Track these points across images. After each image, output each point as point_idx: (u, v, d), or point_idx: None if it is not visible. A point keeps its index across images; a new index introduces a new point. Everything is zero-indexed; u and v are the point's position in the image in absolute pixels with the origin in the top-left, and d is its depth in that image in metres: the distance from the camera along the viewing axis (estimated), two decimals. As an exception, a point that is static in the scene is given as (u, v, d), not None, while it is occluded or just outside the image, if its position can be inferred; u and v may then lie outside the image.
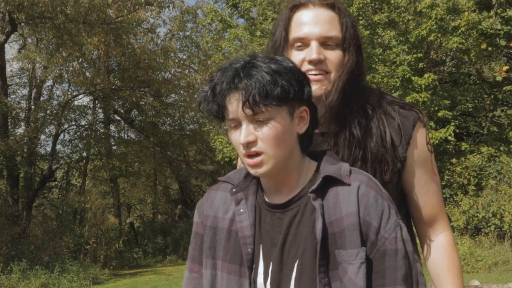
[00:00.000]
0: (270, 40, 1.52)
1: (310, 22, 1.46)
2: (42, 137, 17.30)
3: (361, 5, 10.95)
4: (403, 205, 1.55)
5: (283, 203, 1.29)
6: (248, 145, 1.22)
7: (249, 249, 1.29)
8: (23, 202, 14.88)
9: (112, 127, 19.94)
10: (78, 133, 18.16)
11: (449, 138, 11.02)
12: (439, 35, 11.16)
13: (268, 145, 1.21)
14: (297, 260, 1.24)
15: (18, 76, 18.22)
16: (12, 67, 22.25)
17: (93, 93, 17.26)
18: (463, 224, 10.83)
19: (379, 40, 11.97)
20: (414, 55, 11.42)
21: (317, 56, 1.43)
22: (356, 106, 1.48)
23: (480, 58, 12.05)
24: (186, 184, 21.49)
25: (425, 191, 1.53)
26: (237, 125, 1.23)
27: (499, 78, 12.11)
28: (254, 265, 1.29)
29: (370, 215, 1.22)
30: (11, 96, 16.88)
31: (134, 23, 16.06)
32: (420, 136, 1.52)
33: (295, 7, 1.49)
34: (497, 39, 12.14)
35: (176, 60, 19.56)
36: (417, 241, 1.57)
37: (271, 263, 1.27)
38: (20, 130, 16.72)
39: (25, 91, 17.93)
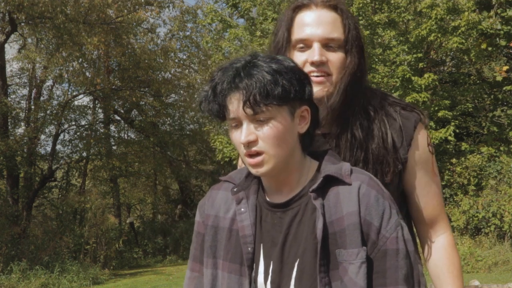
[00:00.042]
0: (273, 41, 1.52)
1: (313, 24, 1.45)
2: (42, 137, 17.33)
3: (361, 5, 10.95)
4: (403, 206, 1.55)
5: (283, 203, 1.29)
6: (249, 144, 1.22)
7: (249, 248, 1.28)
8: (23, 202, 14.88)
9: (112, 127, 19.96)
10: (78, 133, 18.17)
11: (449, 138, 11.02)
12: (439, 35, 11.16)
13: (269, 144, 1.21)
14: (298, 260, 1.24)
15: (18, 76, 18.23)
16: (12, 67, 22.25)
17: (93, 93, 17.26)
18: (463, 224, 10.83)
19: (379, 40, 11.97)
20: (414, 55, 11.42)
21: (319, 58, 1.43)
22: (358, 108, 1.48)
23: (480, 58, 12.05)
24: (186, 184, 21.50)
25: (425, 192, 1.53)
26: (238, 124, 1.23)
27: (499, 78, 12.11)
28: (254, 265, 1.29)
29: (371, 215, 1.22)
30: (11, 96, 16.89)
31: (134, 23, 16.06)
32: (421, 138, 1.52)
33: (298, 8, 1.49)
34: (497, 39, 12.14)
35: (176, 60, 19.57)
36: (417, 242, 1.57)
37: (271, 262, 1.27)
38: (20, 130, 16.74)
39: (25, 91, 17.95)
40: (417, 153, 1.51)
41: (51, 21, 13.13)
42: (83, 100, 32.61)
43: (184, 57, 20.33)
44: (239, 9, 13.82)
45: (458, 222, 10.79)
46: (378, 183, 1.28)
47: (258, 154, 1.22)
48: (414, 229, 1.60)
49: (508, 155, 11.67)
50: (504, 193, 10.73)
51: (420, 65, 11.75)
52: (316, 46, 1.44)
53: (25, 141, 15.36)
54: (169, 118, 19.90)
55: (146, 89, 18.00)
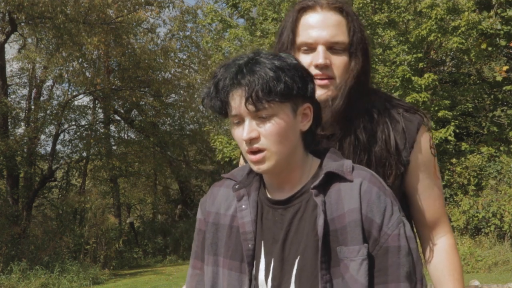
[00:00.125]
0: (277, 42, 1.52)
1: (318, 26, 1.45)
2: (42, 137, 17.33)
3: (361, 5, 10.95)
4: (404, 208, 1.55)
5: (285, 199, 1.29)
6: (250, 141, 1.22)
7: (249, 245, 1.28)
8: (23, 202, 14.88)
9: (112, 127, 19.96)
10: (78, 133, 18.17)
11: (449, 138, 11.02)
12: (439, 35, 11.16)
13: (271, 141, 1.21)
14: (298, 257, 1.24)
15: (18, 76, 18.23)
16: (12, 67, 22.28)
17: (93, 93, 17.26)
18: (463, 224, 10.83)
19: (379, 40, 11.96)
20: (414, 55, 11.42)
21: (324, 61, 1.43)
22: (362, 110, 1.48)
23: (480, 58, 12.05)
24: (186, 184, 21.50)
25: (427, 194, 1.53)
26: (240, 121, 1.23)
27: (499, 78, 12.11)
28: (255, 262, 1.29)
29: (372, 212, 1.22)
30: (11, 96, 16.89)
31: (134, 23, 16.06)
32: (424, 140, 1.52)
33: (303, 9, 1.48)
34: (497, 39, 12.14)
35: (176, 60, 19.57)
36: (418, 244, 1.57)
37: (272, 259, 1.27)
38: (20, 130, 16.74)
39: (25, 91, 17.96)
40: (419, 155, 1.51)
41: (51, 21, 13.13)
42: (83, 100, 32.65)
43: (184, 57, 20.35)
44: (239, 9, 13.82)
45: (458, 222, 10.79)
46: (379, 180, 1.28)
47: (260, 151, 1.22)
48: (415, 231, 1.60)
49: (508, 155, 11.66)
50: (504, 193, 10.73)
51: (420, 65, 11.75)
52: (320, 49, 1.43)
53: (25, 141, 15.36)
54: (169, 118, 19.90)
55: (146, 89, 18.00)
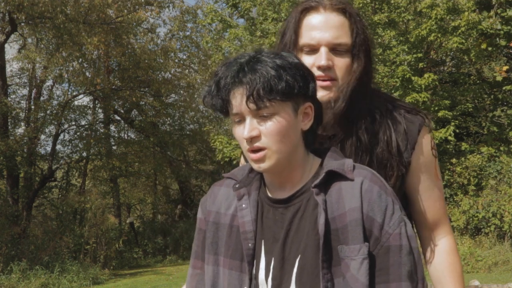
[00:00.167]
0: (280, 42, 1.51)
1: (320, 27, 1.44)
2: (42, 137, 17.33)
3: (361, 5, 10.95)
4: (405, 209, 1.55)
5: (285, 198, 1.28)
6: (251, 140, 1.21)
7: (249, 244, 1.28)
8: (23, 202, 14.88)
9: (112, 127, 19.97)
10: (78, 133, 18.18)
11: (449, 138, 11.02)
12: (439, 35, 11.16)
13: (272, 140, 1.21)
14: (299, 256, 1.23)
15: (18, 76, 18.24)
16: (12, 67, 22.27)
17: (93, 93, 17.26)
18: (463, 224, 10.83)
19: (379, 40, 11.96)
20: (414, 55, 11.42)
21: (326, 62, 1.42)
22: (364, 111, 1.48)
23: (480, 58, 12.05)
24: (186, 184, 21.50)
25: (428, 196, 1.53)
26: (241, 120, 1.23)
27: (499, 78, 12.11)
28: (255, 261, 1.28)
29: (373, 211, 1.21)
30: (11, 96, 16.89)
31: (134, 23, 16.06)
32: (425, 141, 1.52)
33: (305, 10, 1.48)
34: (497, 39, 12.14)
35: (176, 60, 19.58)
36: (419, 245, 1.57)
37: (272, 258, 1.26)
38: (20, 130, 16.75)
39: (25, 91, 17.96)
40: (420, 157, 1.51)
41: (51, 21, 13.14)
42: (83, 100, 32.65)
43: (184, 57, 20.35)
44: (239, 9, 13.82)
45: (458, 222, 10.80)
46: (380, 179, 1.27)
47: (260, 149, 1.22)
48: (415, 232, 1.60)
49: (508, 155, 11.67)
50: (504, 193, 10.73)
51: (420, 65, 11.75)
52: (323, 50, 1.43)
53: (25, 141, 15.36)
54: (169, 118, 19.90)
55: (146, 89, 18.01)
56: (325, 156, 1.32)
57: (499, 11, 11.87)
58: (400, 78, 11.06)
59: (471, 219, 10.85)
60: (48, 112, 16.73)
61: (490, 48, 12.12)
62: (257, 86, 1.17)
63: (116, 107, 18.99)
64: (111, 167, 17.55)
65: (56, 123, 16.92)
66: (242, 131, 1.22)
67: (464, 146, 12.10)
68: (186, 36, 19.84)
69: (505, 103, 13.15)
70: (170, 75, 19.01)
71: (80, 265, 12.01)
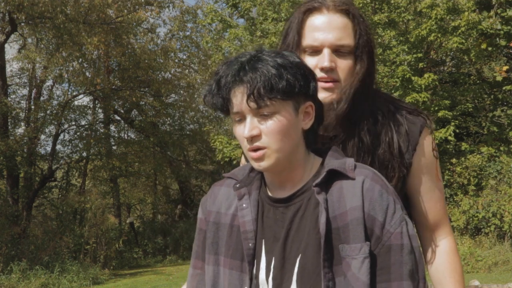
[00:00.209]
0: (283, 43, 1.51)
1: (324, 29, 1.44)
2: (42, 137, 17.33)
3: (361, 5, 10.95)
4: (406, 210, 1.56)
5: (286, 197, 1.28)
6: (252, 139, 1.21)
7: (250, 244, 1.28)
8: (23, 202, 14.88)
9: (112, 127, 19.97)
10: (78, 133, 18.18)
11: (449, 138, 11.02)
12: (439, 35, 11.16)
13: (272, 139, 1.21)
14: (299, 255, 1.23)
15: (18, 76, 18.24)
16: (12, 67, 22.28)
17: (93, 93, 17.26)
18: (463, 224, 10.83)
19: (379, 40, 11.96)
20: (414, 55, 11.42)
21: (329, 64, 1.42)
22: (366, 113, 1.48)
23: (480, 58, 12.05)
24: (186, 184, 21.50)
25: (428, 197, 1.54)
26: (242, 119, 1.23)
27: (499, 78, 12.11)
28: (256, 261, 1.28)
29: (375, 210, 1.21)
30: (11, 96, 16.89)
31: (134, 23, 16.06)
32: (427, 143, 1.52)
33: (309, 11, 1.47)
34: (497, 39, 12.15)
35: (176, 60, 19.58)
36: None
37: (273, 258, 1.26)
38: (20, 130, 16.75)
39: (25, 91, 17.96)
40: (422, 158, 1.51)
41: (51, 21, 13.14)
42: (83, 100, 32.67)
43: (184, 57, 20.35)
44: (239, 9, 13.83)
45: (458, 222, 10.80)
46: (382, 178, 1.27)
47: (260, 148, 1.22)
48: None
49: (508, 155, 11.67)
50: (504, 193, 10.73)
51: (420, 65, 11.75)
52: (326, 52, 1.43)
53: (25, 141, 15.36)
54: (169, 118, 19.91)
55: (146, 89, 18.01)
56: (326, 155, 1.31)
57: (499, 11, 11.87)
58: (400, 78, 11.06)
59: (471, 219, 10.85)
60: (48, 112, 16.73)
61: (490, 48, 12.12)
62: (258, 85, 1.17)
63: (116, 107, 18.99)
64: (111, 167, 17.55)
65: (56, 123, 16.93)
66: (243, 130, 1.22)
67: (464, 146, 12.10)
68: (186, 36, 19.85)
69: (505, 103, 13.15)
70: (170, 75, 19.02)
71: (80, 265, 12.01)
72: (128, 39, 16.65)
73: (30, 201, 15.13)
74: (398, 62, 11.43)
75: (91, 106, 18.98)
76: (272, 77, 1.18)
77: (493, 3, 11.99)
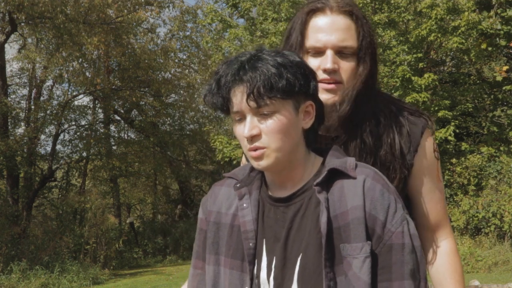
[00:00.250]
0: (286, 43, 1.50)
1: (327, 30, 1.44)
2: (42, 137, 17.34)
3: (361, 5, 10.95)
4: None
5: (286, 197, 1.28)
6: (252, 138, 1.21)
7: (250, 244, 1.27)
8: (23, 202, 14.88)
9: (112, 127, 19.97)
10: (78, 133, 18.18)
11: (449, 138, 11.02)
12: (439, 35, 11.16)
13: (272, 138, 1.20)
14: (300, 255, 1.23)
15: (18, 76, 18.24)
16: (12, 67, 22.29)
17: (93, 93, 17.27)
18: (463, 224, 10.83)
19: (379, 40, 11.96)
20: (414, 55, 11.42)
21: (332, 66, 1.42)
22: (368, 114, 1.48)
23: (480, 58, 12.05)
24: (186, 184, 21.50)
25: (429, 198, 1.54)
26: (242, 118, 1.22)
27: (499, 78, 12.11)
28: (257, 260, 1.28)
29: (376, 209, 1.21)
30: (11, 96, 16.89)
31: (134, 23, 16.07)
32: (428, 144, 1.52)
33: (312, 12, 1.47)
34: (497, 39, 12.15)
35: (176, 60, 19.58)
36: None
37: (274, 258, 1.26)
38: (20, 130, 16.75)
39: (25, 91, 17.97)
40: (423, 159, 1.51)
41: (51, 21, 13.14)
42: (83, 100, 32.67)
43: (184, 57, 20.36)
44: (239, 9, 13.83)
45: (458, 222, 10.80)
46: (383, 177, 1.27)
47: (259, 147, 1.22)
48: None
49: (508, 155, 11.67)
50: (504, 193, 10.73)
51: (420, 65, 11.75)
52: (329, 53, 1.43)
53: (25, 141, 15.36)
54: (169, 118, 19.91)
55: (146, 89, 18.01)
56: (327, 154, 1.31)
57: (499, 11, 11.87)
58: (400, 78, 11.06)
59: (471, 219, 10.86)
60: (48, 112, 16.74)
61: (490, 48, 12.12)
62: (258, 84, 1.17)
63: (116, 107, 18.99)
64: (111, 167, 17.55)
65: (56, 123, 16.93)
66: (243, 130, 1.22)
67: (464, 146, 12.10)
68: (186, 36, 19.85)
69: (505, 103, 13.15)
70: (170, 75, 19.03)
71: (80, 265, 12.01)
72: (128, 39, 16.66)
73: (30, 201, 15.13)
74: (398, 62, 11.43)
75: (91, 106, 19.00)
76: (272, 76, 1.17)
77: (493, 3, 11.99)
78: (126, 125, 20.02)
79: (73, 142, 17.92)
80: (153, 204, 21.83)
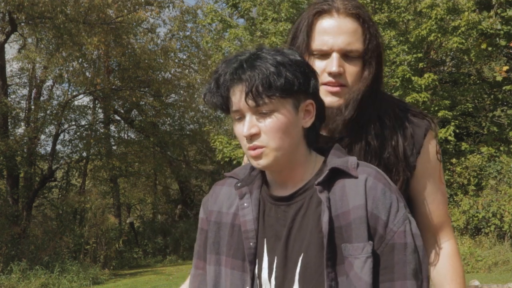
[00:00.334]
0: (291, 45, 1.50)
1: (333, 33, 1.43)
2: (42, 137, 17.34)
3: (361, 5, 10.94)
4: None
5: (287, 196, 1.27)
6: (251, 137, 1.20)
7: (251, 243, 1.27)
8: (23, 202, 14.88)
9: (112, 127, 19.97)
10: (78, 133, 18.18)
11: (449, 138, 11.02)
12: (439, 35, 11.16)
13: (271, 137, 1.20)
14: (302, 254, 1.22)
15: (18, 76, 18.24)
16: (12, 67, 22.29)
17: (93, 93, 17.27)
18: (463, 224, 10.83)
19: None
20: (414, 55, 11.42)
21: (337, 69, 1.41)
22: (373, 116, 1.48)
23: (480, 58, 12.05)
24: (186, 184, 21.50)
25: (431, 200, 1.54)
26: (241, 117, 1.22)
27: (499, 78, 12.11)
28: (258, 260, 1.27)
29: (378, 208, 1.20)
30: (11, 96, 16.89)
31: (134, 23, 16.07)
32: (431, 146, 1.52)
33: (318, 13, 1.46)
34: (497, 39, 12.15)
35: (176, 60, 19.58)
36: None
37: (275, 257, 1.25)
38: (20, 130, 16.75)
39: (25, 91, 17.97)
40: (426, 161, 1.51)
41: (51, 21, 13.14)
42: (83, 100, 32.67)
43: (184, 57, 20.35)
44: (239, 9, 13.82)
45: (458, 222, 10.80)
46: (384, 176, 1.26)
47: (258, 146, 1.21)
48: None
49: (508, 155, 11.67)
50: (504, 193, 10.74)
51: (420, 65, 11.75)
52: (335, 56, 1.42)
53: (25, 141, 15.36)
54: (169, 118, 19.91)
55: (146, 89, 18.01)
56: (328, 153, 1.31)
57: (499, 11, 11.87)
58: (400, 78, 11.06)
59: (471, 219, 10.86)
60: (48, 112, 16.73)
61: (490, 48, 12.13)
62: (256, 83, 1.17)
63: (116, 107, 18.99)
64: (111, 167, 17.55)
65: (56, 123, 16.93)
66: (242, 129, 1.21)
67: (464, 146, 12.10)
68: (186, 36, 19.85)
69: (505, 103, 13.16)
70: (170, 75, 19.02)
71: (80, 265, 12.01)
72: (128, 39, 16.66)
73: (30, 201, 15.13)
74: (398, 62, 11.43)
75: (91, 106, 19.00)
76: (270, 75, 1.17)
77: (493, 3, 11.99)
78: (126, 125, 20.02)
79: (73, 142, 17.93)
80: (153, 204, 21.83)
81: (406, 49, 11.46)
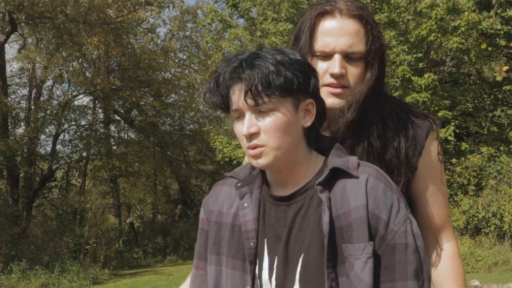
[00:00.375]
0: (294, 45, 1.49)
1: (335, 34, 1.43)
2: (42, 137, 17.34)
3: (361, 5, 10.94)
4: None
5: (288, 196, 1.27)
6: (250, 136, 1.20)
7: (251, 244, 1.26)
8: (23, 202, 14.88)
9: (112, 127, 19.97)
10: (78, 133, 18.18)
11: (449, 138, 11.02)
12: (439, 35, 11.16)
13: (271, 137, 1.20)
14: (302, 255, 1.22)
15: (18, 76, 18.24)
16: (12, 67, 22.29)
17: (93, 93, 17.27)
18: (463, 224, 10.83)
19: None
20: (414, 55, 11.42)
21: (339, 70, 1.41)
22: (376, 118, 1.48)
23: (480, 58, 12.05)
24: (186, 184, 21.50)
25: (432, 201, 1.54)
26: (241, 116, 1.22)
27: (499, 78, 12.12)
28: (258, 260, 1.27)
29: (379, 208, 1.19)
30: (11, 96, 16.89)
31: (134, 23, 16.07)
32: (433, 147, 1.52)
33: (321, 14, 1.45)
34: (497, 39, 12.15)
35: (176, 60, 19.58)
36: None
37: (276, 257, 1.25)
38: (20, 130, 16.75)
39: (25, 91, 17.97)
40: (427, 162, 1.51)
41: (51, 21, 13.14)
42: (83, 100, 32.66)
43: (184, 57, 20.35)
44: (239, 9, 13.82)
45: (458, 222, 10.80)
46: (385, 176, 1.26)
47: (258, 145, 1.21)
48: None
49: (508, 155, 11.67)
50: (504, 193, 10.73)
51: (420, 65, 11.75)
52: (337, 57, 1.42)
53: (25, 141, 15.36)
54: (169, 118, 19.91)
55: (146, 89, 18.01)
56: (329, 153, 1.30)
57: (499, 11, 11.87)
58: (400, 78, 11.06)
59: (471, 219, 10.86)
60: (48, 112, 16.74)
61: (490, 48, 12.13)
62: (255, 82, 1.16)
63: (116, 107, 18.99)
64: (111, 167, 17.56)
65: (56, 123, 16.93)
66: (241, 128, 1.21)
67: (464, 146, 12.10)
68: (186, 36, 19.85)
69: (505, 103, 13.16)
70: (170, 75, 19.03)
71: (80, 265, 12.01)
72: (128, 39, 16.66)
73: (30, 201, 15.13)
74: (398, 62, 11.43)
75: (91, 106, 19.00)
76: (269, 74, 1.17)
77: (493, 3, 11.99)
78: (126, 125, 20.02)
79: (73, 142, 17.93)
80: (153, 204, 21.83)
81: (406, 49, 11.46)
